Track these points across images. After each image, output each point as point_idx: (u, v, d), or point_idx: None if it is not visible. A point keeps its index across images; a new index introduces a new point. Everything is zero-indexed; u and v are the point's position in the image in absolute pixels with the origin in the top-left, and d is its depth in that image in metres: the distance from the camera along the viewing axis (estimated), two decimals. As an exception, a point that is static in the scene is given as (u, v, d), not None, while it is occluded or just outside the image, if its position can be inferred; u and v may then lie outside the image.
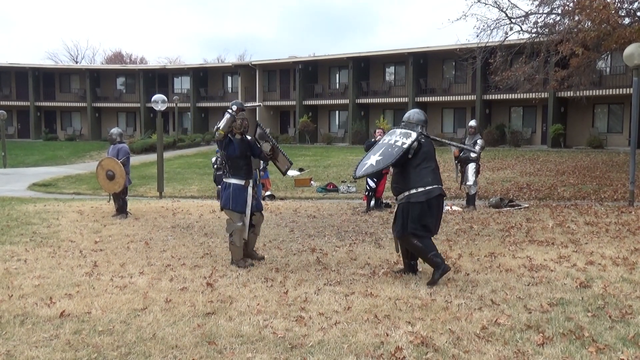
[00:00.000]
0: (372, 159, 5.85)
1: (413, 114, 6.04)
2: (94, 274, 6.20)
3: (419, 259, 5.97)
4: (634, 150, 12.44)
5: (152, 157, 25.66)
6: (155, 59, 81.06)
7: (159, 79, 43.73)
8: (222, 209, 6.74)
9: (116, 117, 44.54)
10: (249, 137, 6.72)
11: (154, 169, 21.41)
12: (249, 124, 6.71)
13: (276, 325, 4.41)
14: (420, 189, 5.66)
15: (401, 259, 6.23)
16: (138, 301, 5.10)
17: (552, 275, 5.90)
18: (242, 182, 6.55)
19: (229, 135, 6.52)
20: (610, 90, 27.69)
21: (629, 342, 3.98)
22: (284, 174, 7.26)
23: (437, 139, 6.33)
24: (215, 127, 6.51)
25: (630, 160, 12.45)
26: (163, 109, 16.66)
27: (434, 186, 5.70)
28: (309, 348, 3.97)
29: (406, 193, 5.74)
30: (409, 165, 5.73)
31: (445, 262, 5.69)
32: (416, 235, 5.68)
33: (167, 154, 27.89)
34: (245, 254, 6.74)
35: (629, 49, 11.85)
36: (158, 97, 16.81)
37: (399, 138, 5.76)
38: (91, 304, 4.99)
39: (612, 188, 15.15)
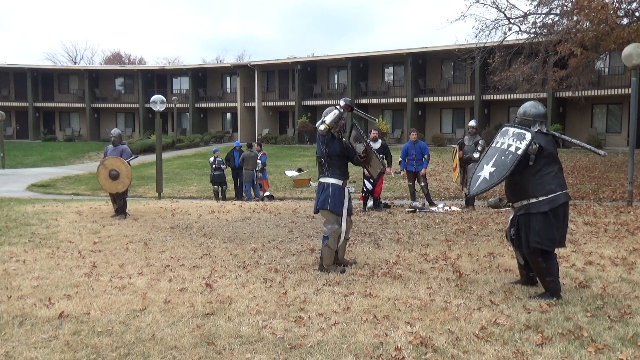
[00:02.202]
0: (485, 171, 5.07)
1: (529, 107, 5.18)
2: (92, 274, 6.19)
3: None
4: (633, 151, 12.45)
5: (151, 157, 25.63)
6: (154, 60, 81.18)
7: (158, 79, 43.69)
8: (317, 211, 6.48)
9: (115, 118, 44.52)
10: (343, 139, 6.55)
11: (152, 170, 21.39)
12: (345, 125, 6.54)
13: (275, 326, 4.40)
14: (541, 198, 4.92)
15: (518, 269, 5.62)
16: (137, 302, 5.09)
17: (551, 275, 5.89)
18: (340, 182, 6.39)
19: (331, 132, 6.34)
20: (609, 90, 27.71)
21: (628, 342, 3.98)
22: (376, 179, 6.89)
23: (561, 135, 5.35)
24: (321, 120, 6.28)
25: (628, 161, 12.46)
26: (162, 109, 16.68)
27: (558, 193, 4.94)
28: (308, 348, 3.96)
29: (524, 202, 5.01)
30: (527, 172, 4.95)
31: (560, 293, 5.01)
32: (542, 252, 4.98)
33: (165, 155, 27.90)
34: (336, 260, 6.54)
35: (628, 49, 11.86)
36: (157, 97, 16.85)
37: (512, 142, 4.95)
38: (90, 305, 4.99)
39: (611, 188, 15.16)
